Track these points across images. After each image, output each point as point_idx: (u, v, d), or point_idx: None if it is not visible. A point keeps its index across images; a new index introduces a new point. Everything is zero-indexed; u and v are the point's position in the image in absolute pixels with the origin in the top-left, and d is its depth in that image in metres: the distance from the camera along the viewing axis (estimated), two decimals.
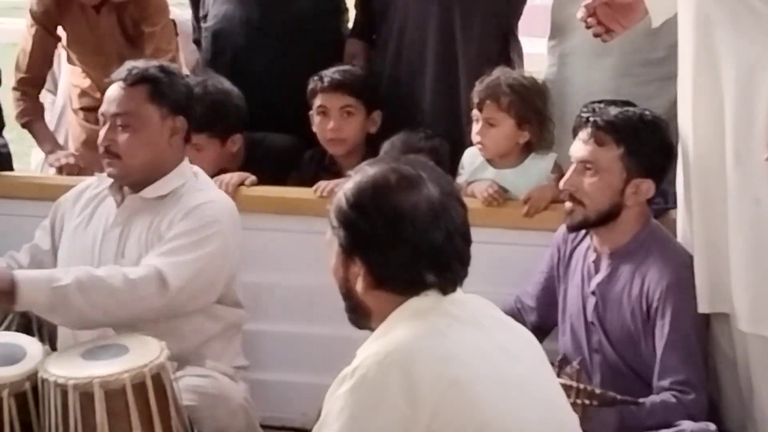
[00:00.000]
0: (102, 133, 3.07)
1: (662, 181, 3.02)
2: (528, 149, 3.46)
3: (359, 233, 2.05)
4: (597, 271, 3.02)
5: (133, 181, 3.09)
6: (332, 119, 3.64)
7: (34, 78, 4.02)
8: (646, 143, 2.93)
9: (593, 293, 3.01)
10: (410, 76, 3.79)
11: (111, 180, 3.12)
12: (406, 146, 3.55)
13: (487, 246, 3.07)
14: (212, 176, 3.47)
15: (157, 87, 3.06)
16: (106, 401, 2.56)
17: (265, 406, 3.23)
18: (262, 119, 3.77)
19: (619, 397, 2.74)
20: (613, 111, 2.95)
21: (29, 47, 3.97)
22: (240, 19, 3.91)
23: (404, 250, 2.03)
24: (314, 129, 3.68)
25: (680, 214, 3.03)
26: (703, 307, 2.89)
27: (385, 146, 3.60)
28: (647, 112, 2.98)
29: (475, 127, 3.43)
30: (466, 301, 2.09)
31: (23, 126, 4.03)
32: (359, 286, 2.06)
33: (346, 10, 4.05)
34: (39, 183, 3.74)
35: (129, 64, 3.12)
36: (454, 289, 2.07)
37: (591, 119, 2.95)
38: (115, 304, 2.82)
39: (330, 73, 3.65)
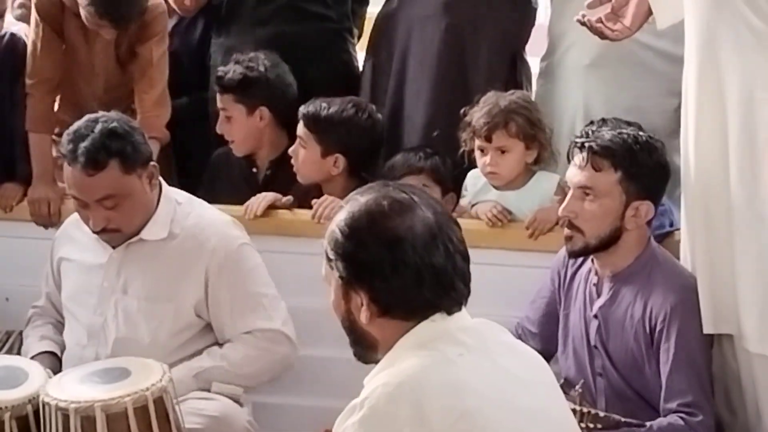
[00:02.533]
0: (92, 216, 2.97)
1: (660, 202, 3.00)
2: (530, 168, 3.46)
3: (359, 263, 2.01)
4: (599, 294, 3.00)
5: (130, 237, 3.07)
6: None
7: (43, 83, 3.67)
8: (643, 165, 2.91)
9: (596, 316, 2.98)
10: (414, 98, 3.78)
11: None
12: (406, 167, 3.54)
13: (492, 267, 3.06)
14: (246, 154, 3.69)
15: (125, 159, 2.95)
16: (108, 425, 2.54)
17: (270, 429, 3.21)
18: None
19: (623, 419, 2.73)
20: (608, 134, 2.91)
21: (37, 48, 3.66)
22: (252, 37, 3.90)
23: (407, 274, 2.00)
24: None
25: (683, 234, 3.01)
26: (707, 328, 2.87)
27: (386, 168, 3.59)
28: (641, 134, 2.95)
29: (485, 159, 3.40)
30: (475, 328, 2.06)
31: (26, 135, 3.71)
32: (363, 316, 2.03)
33: (354, 34, 4.06)
34: None
35: (81, 146, 2.91)
36: (459, 309, 2.05)
37: (586, 144, 2.91)
38: (261, 371, 3.08)
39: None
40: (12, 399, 2.67)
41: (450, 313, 2.03)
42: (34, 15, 3.69)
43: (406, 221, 2.00)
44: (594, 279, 3.01)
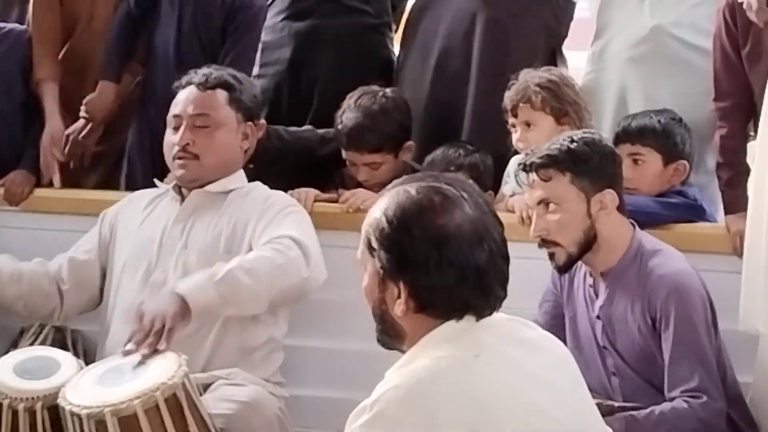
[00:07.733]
0: (180, 133, 3.14)
1: (621, 186, 2.97)
2: None
3: (403, 256, 1.99)
4: (596, 295, 2.98)
5: (202, 183, 3.17)
6: (360, 172, 3.60)
7: (44, 34, 3.79)
8: (587, 159, 2.89)
9: (598, 317, 2.96)
10: (454, 92, 3.76)
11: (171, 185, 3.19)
12: (445, 162, 3.53)
13: (524, 261, 3.03)
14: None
15: (233, 93, 3.19)
16: (120, 428, 2.53)
17: (300, 421, 3.22)
18: None
19: (617, 404, 2.73)
20: (542, 147, 2.93)
21: (35, 4, 3.80)
22: (289, 31, 3.91)
23: (450, 273, 1.97)
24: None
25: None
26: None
27: (426, 162, 3.57)
28: (576, 135, 2.94)
29: (515, 135, 3.40)
30: (498, 324, 2.04)
31: (35, 89, 3.81)
32: (399, 309, 2.00)
33: (393, 29, 4.06)
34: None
35: (204, 70, 3.23)
36: (491, 313, 2.03)
37: (527, 162, 2.93)
38: (278, 272, 2.91)
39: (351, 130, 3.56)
40: (44, 389, 2.71)
41: (482, 315, 2.01)
42: None
43: (456, 219, 1.98)
44: (590, 280, 3.00)
